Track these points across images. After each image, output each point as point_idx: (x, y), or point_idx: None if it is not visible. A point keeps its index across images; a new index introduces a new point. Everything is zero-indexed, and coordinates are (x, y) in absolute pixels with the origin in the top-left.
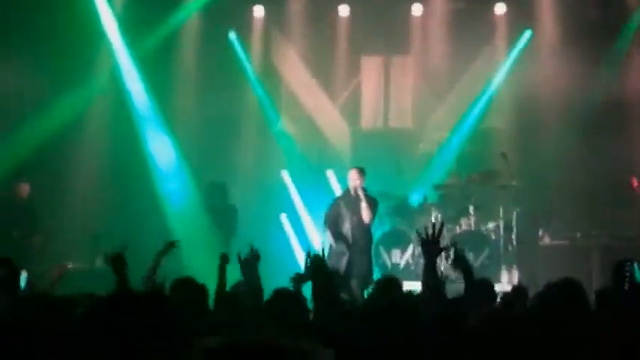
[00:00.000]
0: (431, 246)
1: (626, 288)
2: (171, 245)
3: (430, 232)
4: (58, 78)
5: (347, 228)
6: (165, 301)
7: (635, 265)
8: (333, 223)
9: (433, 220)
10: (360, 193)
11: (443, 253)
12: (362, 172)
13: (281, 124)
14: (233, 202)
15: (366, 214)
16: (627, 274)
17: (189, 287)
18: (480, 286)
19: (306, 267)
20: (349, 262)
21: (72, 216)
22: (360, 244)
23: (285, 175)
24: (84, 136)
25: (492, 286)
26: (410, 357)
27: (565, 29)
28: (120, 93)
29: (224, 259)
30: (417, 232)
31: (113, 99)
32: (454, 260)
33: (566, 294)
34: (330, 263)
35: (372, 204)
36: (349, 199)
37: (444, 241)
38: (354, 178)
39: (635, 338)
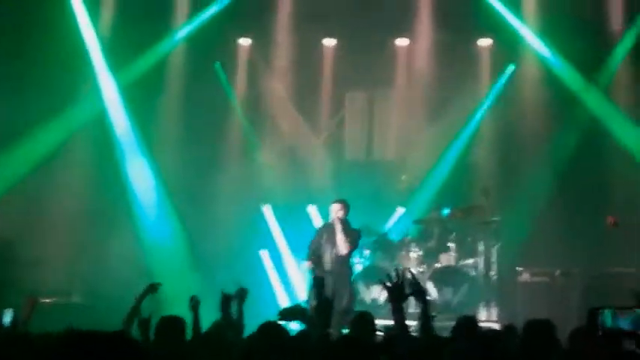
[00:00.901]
0: (395, 292)
1: (599, 334)
2: (152, 288)
3: (394, 279)
4: (42, 107)
5: (327, 260)
6: (131, 342)
7: (607, 312)
8: (314, 255)
9: (413, 256)
10: (337, 225)
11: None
12: (344, 204)
13: (264, 156)
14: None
15: (342, 247)
16: (599, 321)
17: (171, 325)
18: (462, 323)
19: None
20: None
21: (51, 248)
22: (340, 277)
23: (267, 210)
24: (66, 165)
25: (474, 323)
26: None
27: (548, 64)
28: (103, 123)
29: (195, 301)
30: (380, 280)
31: (96, 128)
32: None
33: (539, 334)
34: (311, 304)
35: (352, 236)
36: (330, 231)
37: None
38: (335, 210)
39: None
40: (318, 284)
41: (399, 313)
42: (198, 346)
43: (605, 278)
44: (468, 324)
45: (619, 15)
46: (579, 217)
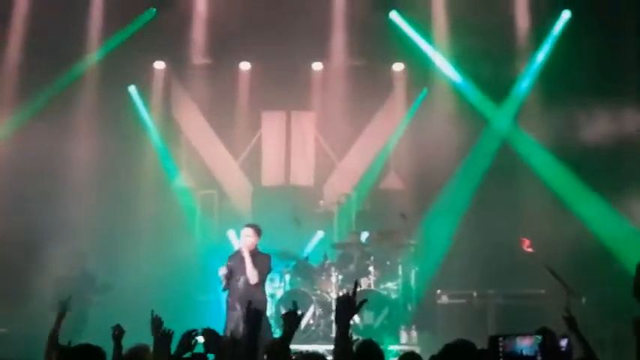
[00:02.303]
0: (345, 307)
1: None
2: (61, 306)
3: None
4: None
5: (240, 287)
6: None
7: (507, 338)
8: (226, 280)
9: (334, 280)
10: (245, 254)
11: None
12: (257, 230)
13: (181, 180)
14: None
15: (251, 275)
16: (500, 348)
17: (89, 352)
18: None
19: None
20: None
21: None
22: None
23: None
24: None
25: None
26: None
27: (458, 89)
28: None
29: (118, 331)
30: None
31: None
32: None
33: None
34: (228, 326)
35: (261, 263)
36: (240, 259)
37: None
38: (247, 235)
39: None
40: (253, 319)
41: (346, 332)
42: None
43: (519, 299)
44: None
45: (527, 42)
46: (493, 239)
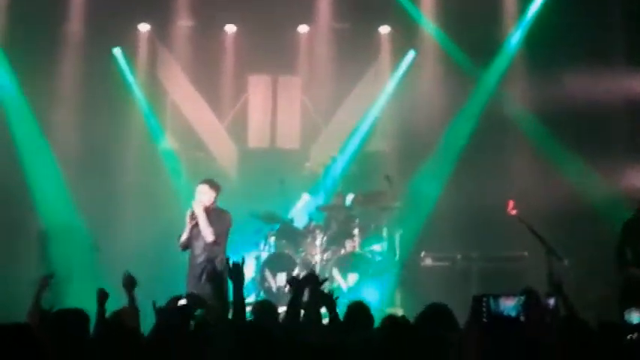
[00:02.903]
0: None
1: (484, 320)
2: (46, 279)
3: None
4: None
5: (197, 248)
6: (29, 332)
7: (491, 298)
8: (184, 243)
9: (318, 243)
10: (197, 212)
11: None
12: (212, 185)
13: (166, 142)
14: None
15: (206, 234)
16: (484, 308)
17: (71, 316)
18: (355, 310)
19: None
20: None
21: None
22: (212, 266)
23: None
24: None
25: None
26: None
27: (445, 50)
28: None
29: (102, 294)
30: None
31: None
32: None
33: (435, 318)
34: (188, 289)
35: (217, 220)
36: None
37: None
38: (201, 192)
39: None
40: (236, 274)
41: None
42: (100, 338)
43: (502, 261)
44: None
45: (515, 1)
46: (478, 201)
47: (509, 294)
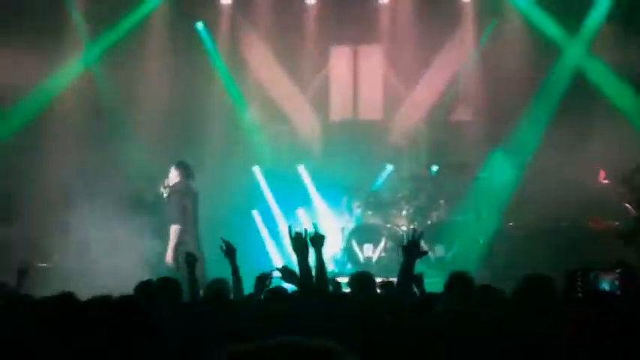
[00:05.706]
0: (413, 249)
1: (579, 296)
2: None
3: (411, 237)
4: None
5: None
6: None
7: (590, 273)
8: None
9: (404, 214)
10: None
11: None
12: (182, 167)
13: (250, 116)
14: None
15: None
16: (579, 282)
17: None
18: (455, 281)
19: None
20: None
21: (38, 209)
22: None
23: (257, 171)
24: (55, 127)
25: (469, 280)
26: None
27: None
28: (85, 87)
29: (191, 258)
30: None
31: (79, 92)
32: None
33: (537, 290)
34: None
35: (169, 197)
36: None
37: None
38: (174, 177)
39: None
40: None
41: (409, 271)
42: (200, 306)
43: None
44: (461, 279)
45: None
46: (567, 172)
47: (603, 268)
